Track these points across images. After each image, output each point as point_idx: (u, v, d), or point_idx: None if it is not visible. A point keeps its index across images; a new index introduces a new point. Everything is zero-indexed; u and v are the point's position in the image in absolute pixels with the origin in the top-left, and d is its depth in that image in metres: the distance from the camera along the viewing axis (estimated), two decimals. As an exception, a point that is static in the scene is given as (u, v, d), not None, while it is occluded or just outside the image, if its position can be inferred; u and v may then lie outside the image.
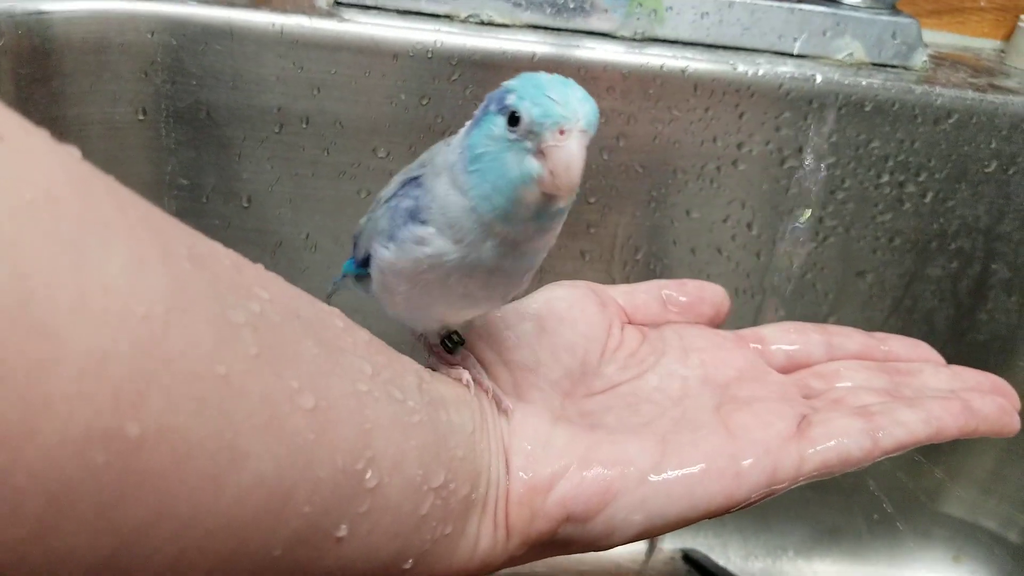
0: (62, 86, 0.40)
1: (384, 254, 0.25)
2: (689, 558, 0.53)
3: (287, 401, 0.18)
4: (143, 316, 0.15)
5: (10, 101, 0.39)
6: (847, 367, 0.32)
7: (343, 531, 0.20)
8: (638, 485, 0.25)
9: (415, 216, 0.24)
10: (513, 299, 0.29)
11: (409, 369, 0.25)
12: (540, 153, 0.21)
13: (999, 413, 0.30)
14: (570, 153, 0.21)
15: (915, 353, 0.33)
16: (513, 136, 0.22)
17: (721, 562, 0.54)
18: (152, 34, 0.40)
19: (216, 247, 0.19)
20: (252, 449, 0.17)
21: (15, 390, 0.13)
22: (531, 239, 0.24)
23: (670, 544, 0.54)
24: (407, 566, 0.23)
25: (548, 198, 0.22)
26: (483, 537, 0.25)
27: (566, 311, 0.31)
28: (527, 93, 0.22)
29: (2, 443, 0.13)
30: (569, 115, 0.21)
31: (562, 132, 0.21)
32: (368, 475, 0.20)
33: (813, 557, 0.57)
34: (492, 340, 0.29)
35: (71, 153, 0.16)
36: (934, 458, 0.54)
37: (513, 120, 0.22)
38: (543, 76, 0.23)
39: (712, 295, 0.33)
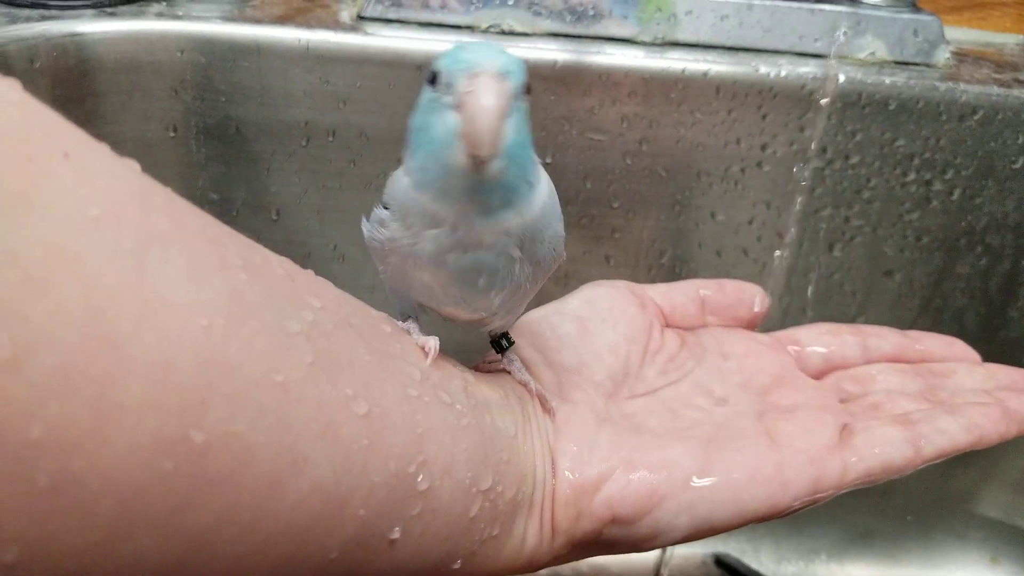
0: (96, 105, 0.41)
1: (363, 229, 0.26)
2: (721, 562, 0.53)
3: (342, 408, 0.19)
4: (204, 327, 0.16)
5: (47, 121, 0.40)
6: (882, 371, 0.32)
7: (396, 533, 0.20)
8: (684, 490, 0.25)
9: (383, 198, 0.25)
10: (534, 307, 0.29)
11: (455, 373, 0.25)
12: (458, 106, 0.20)
13: None
14: (481, 96, 0.20)
15: (951, 351, 0.33)
16: (433, 95, 0.22)
17: (754, 566, 0.54)
18: (181, 53, 0.41)
19: (269, 256, 0.20)
20: (310, 455, 0.18)
21: (88, 399, 0.14)
22: (477, 232, 0.22)
23: (701, 549, 0.54)
24: (456, 566, 0.23)
25: (475, 162, 0.21)
26: (529, 537, 0.25)
27: (607, 311, 0.31)
28: (447, 54, 0.22)
29: (77, 449, 0.14)
30: (480, 60, 0.21)
31: (474, 77, 0.20)
32: (420, 479, 0.21)
33: (846, 560, 0.56)
34: (535, 340, 0.30)
35: (132, 167, 0.17)
36: (968, 459, 0.53)
37: (432, 80, 0.22)
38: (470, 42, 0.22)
39: (751, 296, 0.33)
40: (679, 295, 0.33)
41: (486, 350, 0.30)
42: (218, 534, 0.16)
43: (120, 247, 0.15)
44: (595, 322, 0.30)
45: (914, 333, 0.34)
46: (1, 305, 0.13)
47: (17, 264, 0.13)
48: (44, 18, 0.40)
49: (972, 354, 0.34)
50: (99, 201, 0.15)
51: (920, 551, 0.56)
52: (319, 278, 0.22)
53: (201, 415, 0.15)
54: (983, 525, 0.55)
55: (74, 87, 0.40)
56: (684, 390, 0.30)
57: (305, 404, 0.18)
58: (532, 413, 0.27)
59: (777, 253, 0.47)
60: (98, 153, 0.16)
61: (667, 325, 0.33)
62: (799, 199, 0.45)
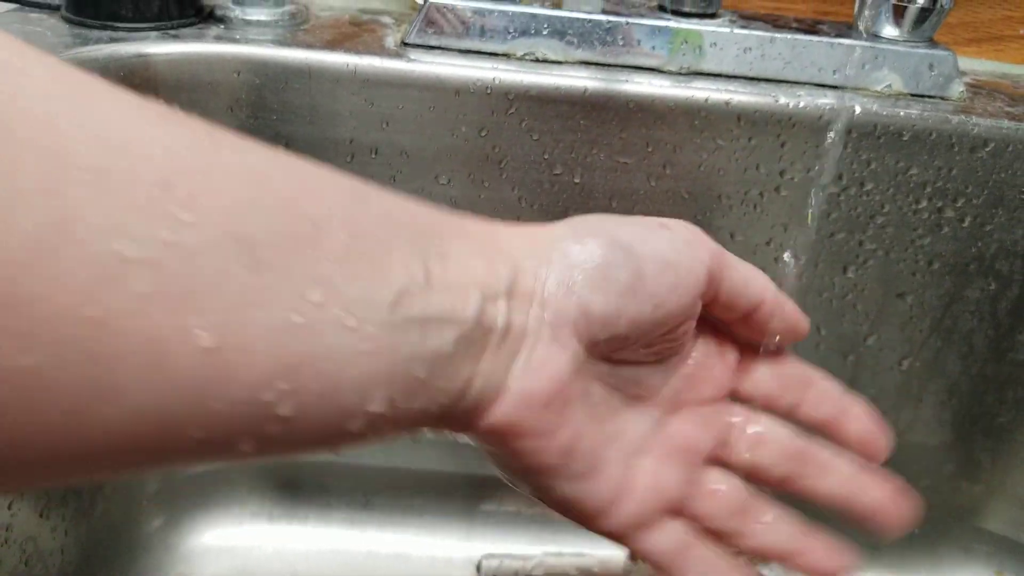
0: (158, 121, 0.44)
1: None
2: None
3: (180, 341, 0.17)
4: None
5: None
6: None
7: (249, 447, 0.20)
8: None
9: None
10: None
11: (394, 279, 0.22)
12: None
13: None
14: None
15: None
16: None
17: None
18: (238, 74, 0.44)
19: (138, 161, 0.18)
20: (128, 387, 0.17)
21: None
22: None
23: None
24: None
25: None
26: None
27: (671, 255, 0.28)
28: None
29: None
30: None
31: None
32: (281, 407, 0.19)
33: (854, 572, 0.58)
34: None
35: None
36: (975, 475, 0.55)
37: None
38: None
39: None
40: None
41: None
42: (6, 456, 0.16)
43: None
44: (654, 265, 0.27)
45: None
46: None
47: None
48: (113, 40, 0.44)
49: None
50: None
51: (926, 564, 0.58)
52: (231, 175, 0.20)
53: None
54: (989, 540, 0.57)
55: (139, 104, 0.43)
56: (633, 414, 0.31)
57: (126, 338, 0.16)
58: (499, 337, 0.24)
59: (793, 273, 0.49)
60: None
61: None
62: (815, 223, 0.48)
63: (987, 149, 0.46)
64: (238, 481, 0.56)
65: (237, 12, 0.47)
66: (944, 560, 0.58)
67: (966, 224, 0.48)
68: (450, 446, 0.55)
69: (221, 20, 0.47)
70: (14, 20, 0.46)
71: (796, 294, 0.50)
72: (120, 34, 0.44)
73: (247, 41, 0.45)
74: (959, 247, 0.48)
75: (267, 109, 0.45)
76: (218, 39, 0.45)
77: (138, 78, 0.43)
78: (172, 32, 0.45)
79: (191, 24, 0.46)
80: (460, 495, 0.57)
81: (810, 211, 0.47)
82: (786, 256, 0.49)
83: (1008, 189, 0.47)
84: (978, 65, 0.56)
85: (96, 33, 0.44)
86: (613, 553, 0.55)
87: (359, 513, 0.57)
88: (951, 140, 0.46)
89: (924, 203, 0.47)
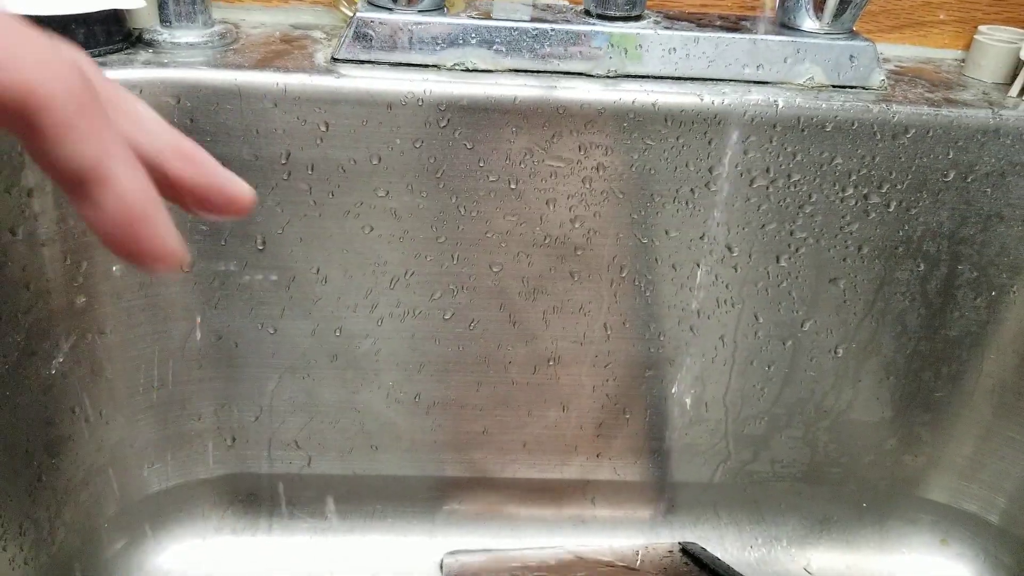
0: (91, 149, 0.44)
1: None
2: (687, 551, 0.56)
3: None
4: None
5: (46, 166, 0.43)
6: None
7: None
8: None
9: None
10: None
11: None
12: None
13: None
14: None
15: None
16: None
17: (718, 554, 0.58)
18: (168, 98, 0.44)
19: None
20: None
21: None
22: None
23: (667, 538, 0.58)
24: None
25: None
26: None
27: None
28: None
29: None
30: None
31: None
32: None
33: (807, 546, 0.60)
34: None
35: None
36: (915, 448, 0.58)
37: None
38: None
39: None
40: None
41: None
42: None
43: None
44: None
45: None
46: None
47: None
48: (40, 69, 0.43)
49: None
50: None
51: (875, 535, 0.60)
52: None
53: None
54: (933, 510, 0.59)
55: (70, 133, 0.43)
56: None
57: None
58: None
59: (728, 264, 0.50)
60: None
61: None
62: (746, 215, 0.49)
63: (908, 135, 0.48)
64: (198, 496, 0.57)
65: (165, 35, 0.47)
66: (891, 532, 0.60)
67: (892, 209, 0.49)
68: (409, 452, 0.56)
69: (150, 44, 0.47)
70: (-62, 53, 0.46)
71: (734, 285, 0.51)
72: (47, 63, 0.44)
73: (176, 64, 0.45)
74: (887, 231, 0.50)
75: (201, 131, 0.45)
76: (147, 64, 0.45)
77: (67, 107, 0.43)
78: (99, 60, 0.45)
79: (119, 49, 0.46)
80: (421, 497, 0.58)
81: (741, 204, 0.48)
82: (720, 249, 0.50)
83: (930, 173, 0.49)
84: (902, 51, 0.58)
85: (22, 63, 0.44)
86: (573, 546, 0.57)
87: (321, 521, 0.58)
88: (873, 129, 0.47)
89: (850, 191, 0.49)
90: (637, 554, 0.56)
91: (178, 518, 0.56)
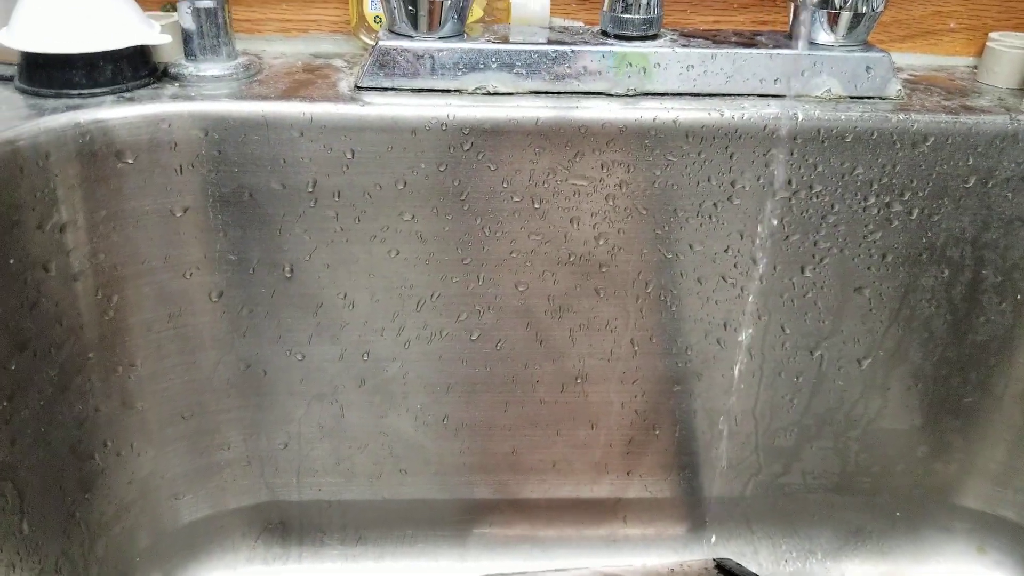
0: (120, 184, 0.45)
1: None
2: (722, 567, 0.56)
3: None
4: None
5: (79, 200, 0.44)
6: None
7: None
8: None
9: None
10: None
11: None
12: None
13: None
14: None
15: None
16: None
17: (753, 568, 0.57)
18: (196, 130, 0.45)
19: None
20: None
21: None
22: None
23: (700, 555, 0.57)
24: None
25: None
26: None
27: None
28: None
29: None
30: None
31: None
32: None
33: (841, 558, 0.59)
34: None
35: None
36: (948, 455, 0.57)
37: None
38: None
39: None
40: None
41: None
42: None
43: None
44: None
45: None
46: None
47: None
48: (69, 108, 0.44)
49: None
50: None
51: (910, 545, 0.60)
52: None
53: None
54: (968, 517, 0.59)
55: (100, 168, 0.44)
56: None
57: None
58: None
59: (753, 277, 0.51)
60: None
61: None
62: (770, 227, 0.49)
63: (928, 144, 0.48)
64: (229, 526, 0.57)
65: (191, 68, 0.48)
66: (926, 541, 0.59)
67: (914, 216, 0.50)
68: (438, 475, 0.56)
69: (175, 78, 0.48)
70: (-31, 94, 0.46)
71: (759, 297, 0.51)
72: (75, 101, 0.45)
73: (203, 97, 0.46)
74: (910, 239, 0.50)
75: (228, 162, 0.46)
76: (174, 98, 0.45)
77: (98, 144, 0.44)
78: (127, 95, 0.46)
79: (146, 84, 0.47)
80: (451, 521, 0.58)
81: (764, 216, 0.49)
82: (745, 262, 0.50)
83: (951, 180, 0.49)
84: (915, 60, 0.58)
85: (51, 102, 0.45)
86: (605, 566, 0.57)
87: (353, 548, 0.58)
88: (892, 138, 0.48)
89: (872, 200, 0.49)
90: (671, 572, 0.56)
91: (209, 549, 0.56)
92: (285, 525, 0.57)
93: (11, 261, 0.42)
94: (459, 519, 0.58)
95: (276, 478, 0.55)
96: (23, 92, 0.46)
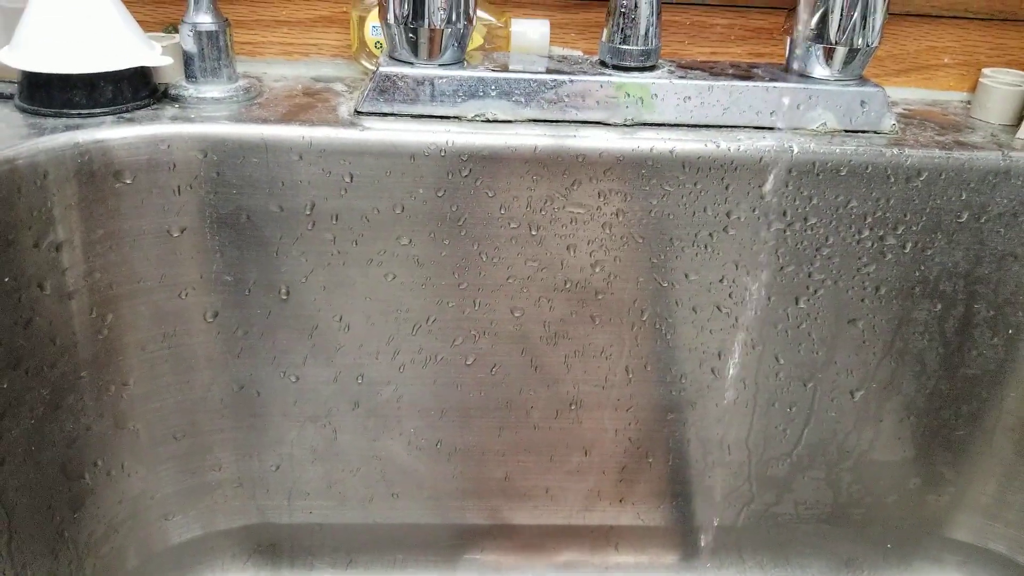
0: (118, 204, 0.45)
1: None
2: (713, 597, 0.56)
3: None
4: None
5: (76, 220, 0.44)
6: None
7: None
8: None
9: None
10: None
11: None
12: None
13: None
14: None
15: None
16: None
17: (744, 599, 0.57)
18: (195, 152, 0.45)
19: None
20: None
21: None
22: None
23: (693, 585, 0.57)
24: None
25: None
26: None
27: None
28: None
29: None
30: None
31: None
32: None
33: (832, 589, 0.59)
34: None
35: None
36: (939, 487, 0.57)
37: None
38: None
39: None
40: None
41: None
42: None
43: None
44: None
45: None
46: None
47: None
48: (68, 127, 0.44)
49: None
50: None
51: (901, 577, 0.60)
52: None
53: None
54: (959, 550, 0.59)
55: (98, 188, 0.44)
56: None
57: None
58: None
59: (748, 307, 0.51)
60: None
61: None
62: (764, 259, 0.50)
63: (921, 178, 0.48)
64: (219, 548, 0.56)
65: (191, 90, 0.48)
66: (918, 573, 0.59)
67: (908, 250, 0.50)
68: (430, 499, 0.56)
69: (176, 99, 0.48)
70: (-31, 112, 0.47)
71: (753, 327, 0.52)
72: (75, 121, 0.45)
73: (202, 119, 0.46)
74: (903, 272, 0.51)
75: (227, 184, 0.46)
76: (174, 119, 0.46)
77: (97, 163, 0.44)
78: (127, 116, 0.46)
79: (146, 105, 0.47)
80: (442, 546, 0.58)
81: (759, 248, 0.49)
82: (739, 292, 0.50)
83: (944, 214, 0.49)
84: (909, 94, 0.59)
85: (51, 121, 0.45)
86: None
87: (343, 571, 0.57)
88: (887, 172, 0.48)
89: (866, 232, 0.49)
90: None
91: (199, 570, 0.56)
92: (275, 547, 0.57)
93: (6, 279, 0.42)
94: (451, 544, 0.58)
95: (267, 500, 0.55)
96: (23, 111, 0.46)
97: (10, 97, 0.48)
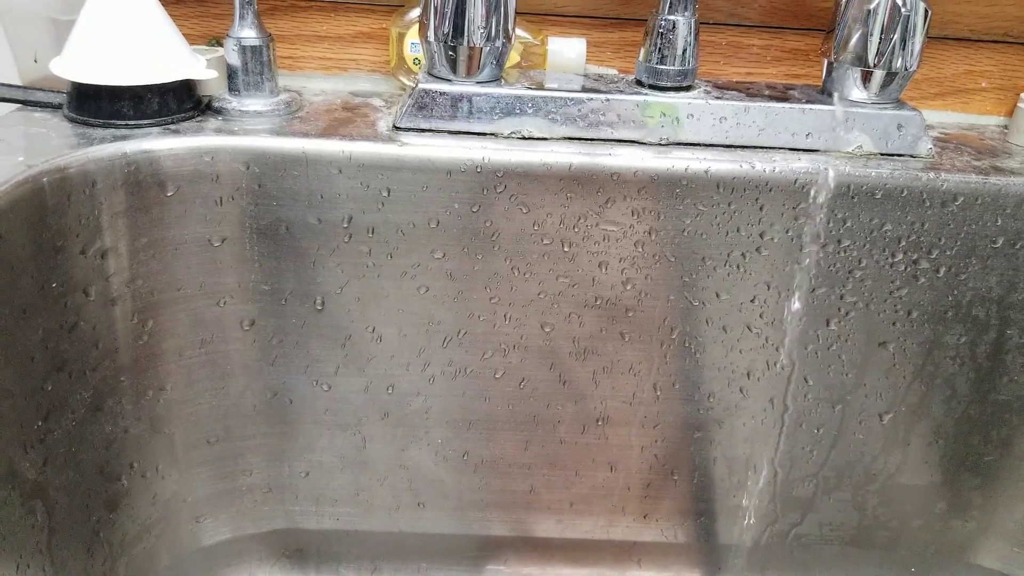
0: (161, 213, 0.46)
1: None
2: (736, 616, 0.56)
3: None
4: None
5: (122, 228, 0.45)
6: None
7: None
8: None
9: None
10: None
11: None
12: None
13: None
14: None
15: None
16: None
17: (767, 619, 0.57)
18: (238, 164, 0.46)
19: None
20: None
21: None
22: None
23: (717, 603, 0.57)
24: None
25: None
26: None
27: None
28: None
29: None
30: None
31: None
32: None
33: (856, 611, 0.59)
34: None
35: None
36: (966, 512, 0.57)
37: None
38: None
39: None
40: None
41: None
42: None
43: None
44: None
45: None
46: None
47: None
48: (116, 138, 0.45)
49: None
50: None
51: (926, 601, 0.59)
52: None
53: None
54: (984, 575, 0.58)
55: (143, 197, 0.45)
56: None
57: None
58: None
59: (779, 328, 0.51)
60: None
61: None
62: (796, 280, 0.50)
63: (957, 203, 0.48)
64: (247, 551, 0.57)
65: (234, 103, 0.49)
66: (943, 597, 0.59)
67: (941, 274, 0.50)
68: (456, 510, 0.57)
69: (219, 112, 0.49)
70: (18, 121, 0.48)
71: (784, 348, 0.52)
72: (122, 131, 0.46)
73: (245, 132, 0.47)
74: (936, 296, 0.50)
75: (267, 196, 0.47)
76: (218, 131, 0.47)
77: (143, 173, 0.45)
78: (172, 127, 0.47)
79: (190, 117, 0.48)
80: (466, 556, 0.58)
81: (792, 269, 0.49)
82: (770, 312, 0.50)
83: (979, 240, 0.49)
84: (946, 117, 0.59)
85: (99, 132, 0.46)
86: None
87: (368, 578, 0.58)
88: (922, 196, 0.48)
89: (900, 256, 0.49)
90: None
91: (227, 573, 0.56)
92: (302, 552, 0.58)
93: (53, 284, 0.43)
94: (474, 555, 0.58)
95: (296, 505, 0.56)
96: (72, 120, 0.47)
97: (58, 107, 0.49)
